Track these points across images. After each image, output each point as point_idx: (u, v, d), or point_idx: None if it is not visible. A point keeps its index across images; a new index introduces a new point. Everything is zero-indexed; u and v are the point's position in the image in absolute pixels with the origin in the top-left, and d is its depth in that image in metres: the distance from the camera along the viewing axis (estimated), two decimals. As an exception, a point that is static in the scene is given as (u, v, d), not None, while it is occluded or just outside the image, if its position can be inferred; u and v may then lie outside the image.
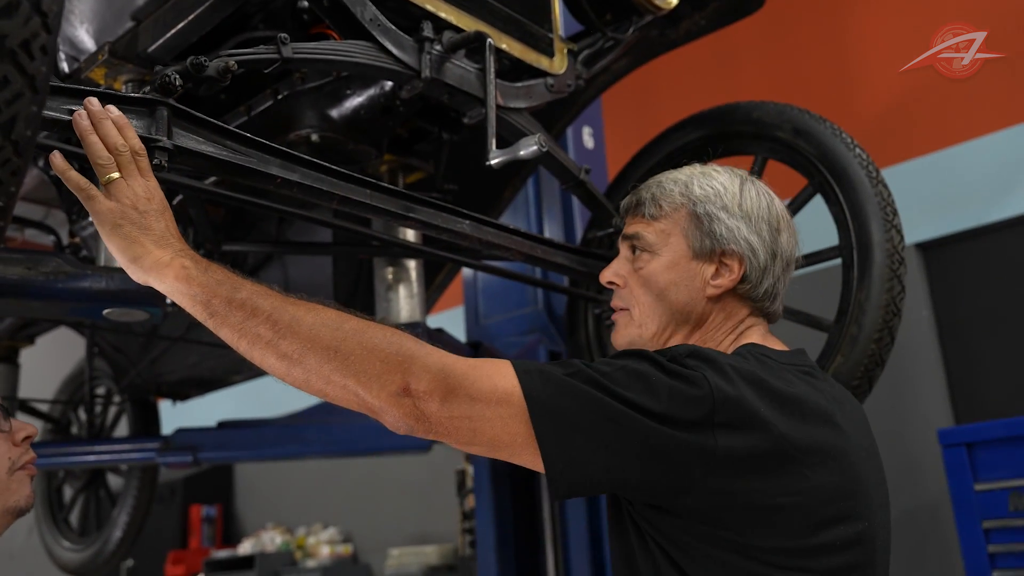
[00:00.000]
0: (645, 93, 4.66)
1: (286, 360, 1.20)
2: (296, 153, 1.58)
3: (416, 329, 2.32)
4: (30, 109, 0.88)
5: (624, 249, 1.50)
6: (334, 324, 1.19)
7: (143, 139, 1.39)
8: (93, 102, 1.28)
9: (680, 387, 1.16)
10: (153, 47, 1.86)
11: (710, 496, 1.16)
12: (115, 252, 1.26)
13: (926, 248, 4.06)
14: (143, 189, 1.28)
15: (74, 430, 4.33)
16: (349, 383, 1.19)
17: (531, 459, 1.18)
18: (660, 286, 1.42)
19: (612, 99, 4.28)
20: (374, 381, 1.18)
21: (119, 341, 3.68)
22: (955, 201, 4.01)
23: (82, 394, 4.15)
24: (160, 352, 3.56)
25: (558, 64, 2.13)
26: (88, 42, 2.07)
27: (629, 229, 1.49)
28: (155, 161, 1.39)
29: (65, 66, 2.09)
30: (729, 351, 1.37)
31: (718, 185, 1.43)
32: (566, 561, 3.55)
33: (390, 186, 1.74)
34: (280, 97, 2.01)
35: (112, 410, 4.21)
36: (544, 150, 1.71)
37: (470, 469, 4.14)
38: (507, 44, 2.00)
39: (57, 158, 1.25)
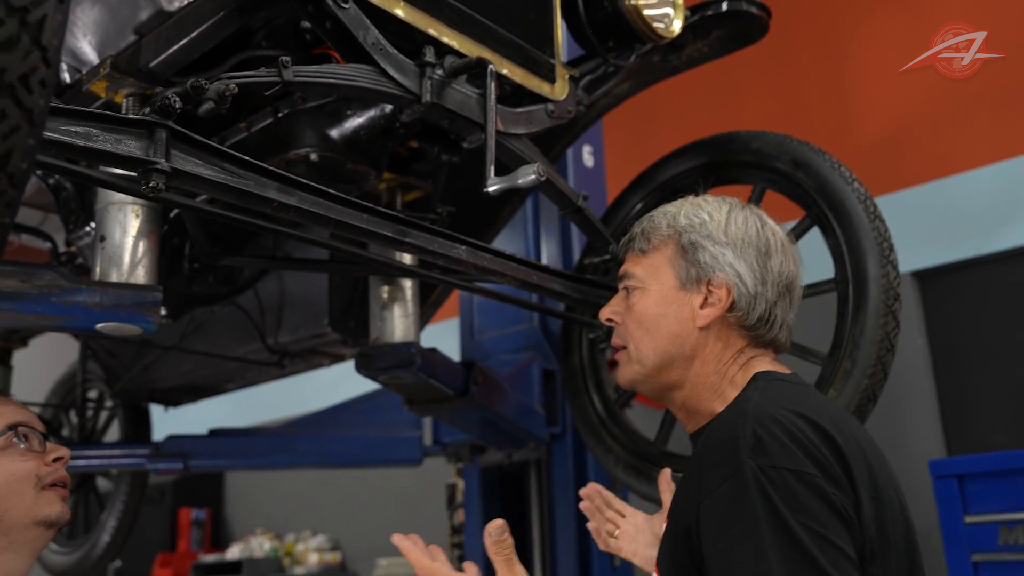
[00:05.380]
0: (646, 112, 4.67)
1: None
2: (294, 177, 1.58)
3: (410, 349, 2.32)
4: (27, 143, 0.87)
5: (620, 286, 1.51)
6: None
7: (140, 161, 1.39)
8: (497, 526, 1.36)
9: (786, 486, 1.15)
10: (155, 62, 1.86)
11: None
12: None
13: (923, 277, 4.07)
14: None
15: (65, 433, 4.32)
16: None
17: None
18: (650, 320, 1.43)
19: (613, 118, 4.28)
20: None
21: (113, 346, 3.67)
22: (953, 231, 4.02)
23: (74, 397, 4.14)
24: (154, 359, 3.56)
25: (559, 90, 2.13)
26: (91, 54, 2.06)
27: (622, 268, 1.51)
28: (152, 183, 1.39)
29: (67, 76, 2.09)
30: (737, 379, 1.38)
31: (704, 214, 1.43)
32: (554, 569, 3.54)
33: (387, 211, 1.73)
34: (280, 115, 2.01)
35: (104, 414, 4.20)
36: (543, 179, 1.71)
37: (461, 483, 4.13)
38: (508, 69, 2.00)
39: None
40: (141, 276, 1.85)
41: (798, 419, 1.21)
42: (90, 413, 4.16)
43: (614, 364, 3.49)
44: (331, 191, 1.64)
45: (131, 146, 1.38)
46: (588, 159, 4.13)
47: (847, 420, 1.32)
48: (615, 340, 1.52)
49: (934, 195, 4.08)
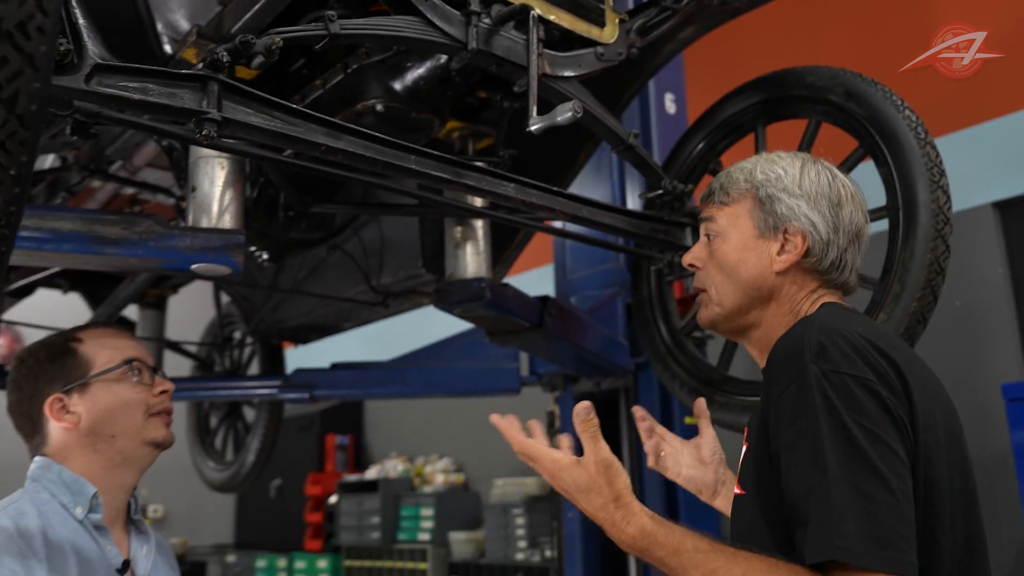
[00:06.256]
0: (728, 59, 4.45)
1: None
2: (340, 122, 1.57)
3: (480, 283, 2.30)
4: (31, 86, 0.89)
5: (702, 234, 1.52)
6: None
7: (193, 112, 1.40)
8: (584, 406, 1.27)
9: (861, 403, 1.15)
10: (236, 27, 1.87)
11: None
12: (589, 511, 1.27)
13: (1003, 207, 3.75)
14: (607, 452, 1.28)
15: (218, 368, 4.55)
16: None
17: None
18: (731, 265, 1.44)
19: (695, 65, 4.11)
20: None
21: (246, 290, 3.81)
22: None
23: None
24: (279, 300, 3.68)
25: (608, 34, 2.04)
26: (184, 25, 2.11)
27: (704, 214, 1.51)
28: (205, 132, 1.40)
29: (168, 48, 2.14)
30: (811, 312, 1.38)
31: (779, 169, 1.44)
32: (641, 490, 3.50)
33: (433, 152, 1.71)
34: (349, 71, 2.00)
35: (247, 351, 4.39)
36: (579, 115, 1.64)
37: (558, 410, 4.13)
38: (556, 15, 1.93)
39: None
40: (227, 222, 1.90)
41: (860, 337, 1.22)
42: (235, 350, 4.37)
43: (685, 301, 3.37)
44: (377, 135, 1.62)
45: (185, 98, 1.40)
46: (670, 106, 3.97)
47: (908, 351, 1.32)
48: (696, 284, 1.52)
49: (1014, 126, 3.74)
